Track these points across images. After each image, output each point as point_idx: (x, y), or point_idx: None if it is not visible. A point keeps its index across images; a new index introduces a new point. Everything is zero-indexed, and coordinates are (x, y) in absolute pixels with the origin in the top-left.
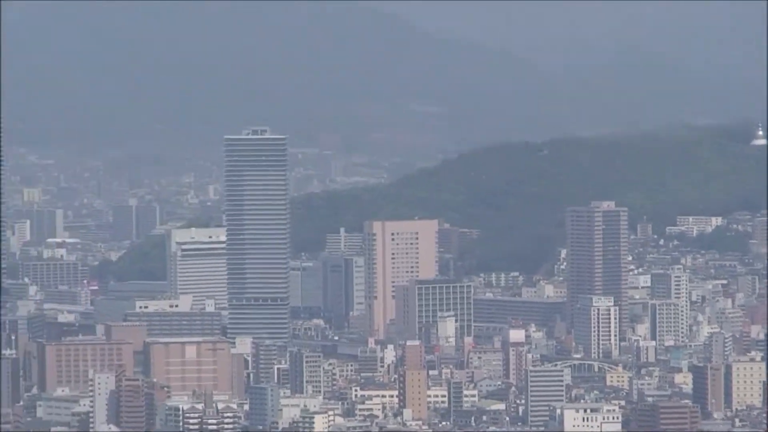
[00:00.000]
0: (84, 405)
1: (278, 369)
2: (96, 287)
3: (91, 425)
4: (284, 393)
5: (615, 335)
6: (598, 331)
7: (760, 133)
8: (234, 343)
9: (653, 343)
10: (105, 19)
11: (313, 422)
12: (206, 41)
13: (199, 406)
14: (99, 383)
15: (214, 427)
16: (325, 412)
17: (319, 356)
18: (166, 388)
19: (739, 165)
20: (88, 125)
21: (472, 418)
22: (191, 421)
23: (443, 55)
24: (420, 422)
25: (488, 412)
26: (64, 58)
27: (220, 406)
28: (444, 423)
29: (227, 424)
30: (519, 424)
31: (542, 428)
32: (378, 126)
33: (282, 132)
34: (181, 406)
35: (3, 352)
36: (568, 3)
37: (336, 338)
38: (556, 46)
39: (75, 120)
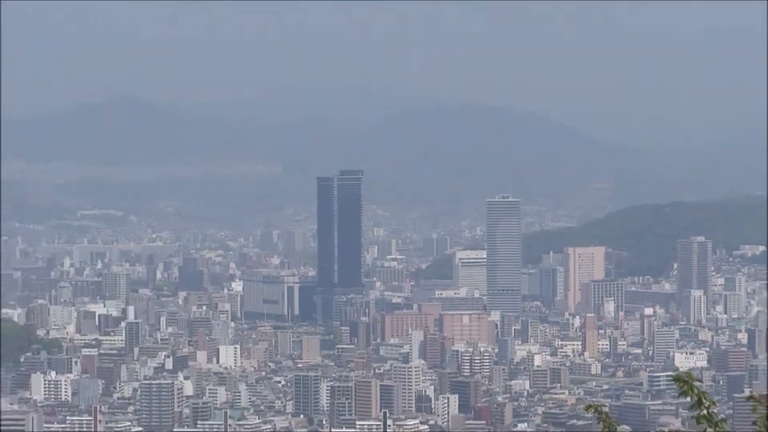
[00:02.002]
0: (405, 348)
1: (514, 329)
2: (413, 283)
3: (409, 359)
4: (517, 342)
5: (704, 311)
6: (694, 308)
7: None
8: (490, 314)
9: (725, 316)
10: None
11: (534, 359)
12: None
13: (470, 350)
14: (414, 336)
15: (478, 360)
16: (540, 353)
17: (537, 322)
18: (451, 340)
19: None
20: (410, 191)
21: (623, 357)
22: (465, 358)
23: (602, 153)
24: (593, 359)
25: (632, 354)
26: (390, 149)
27: (482, 349)
28: (607, 360)
29: (485, 359)
30: (649, 360)
31: (662, 363)
32: (571, 194)
33: (518, 197)
34: (459, 350)
35: (361, 318)
36: (686, 123)
37: (546, 312)
38: (668, 141)
39: (401, 188)
